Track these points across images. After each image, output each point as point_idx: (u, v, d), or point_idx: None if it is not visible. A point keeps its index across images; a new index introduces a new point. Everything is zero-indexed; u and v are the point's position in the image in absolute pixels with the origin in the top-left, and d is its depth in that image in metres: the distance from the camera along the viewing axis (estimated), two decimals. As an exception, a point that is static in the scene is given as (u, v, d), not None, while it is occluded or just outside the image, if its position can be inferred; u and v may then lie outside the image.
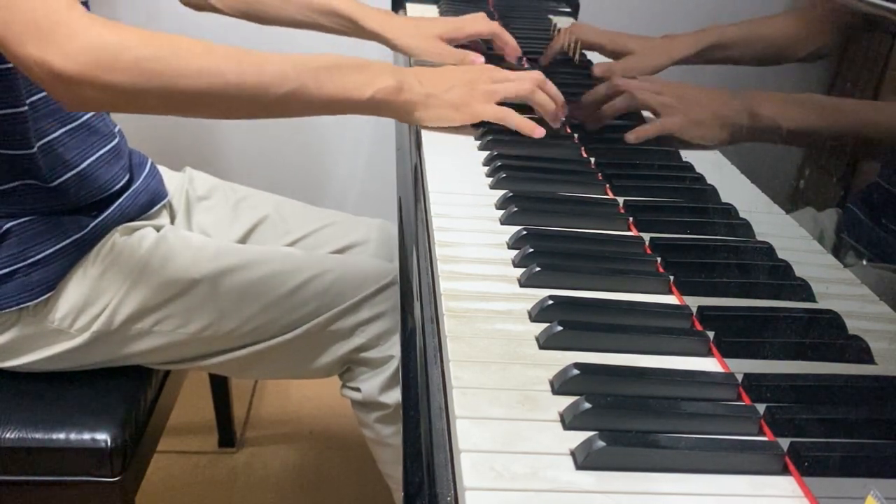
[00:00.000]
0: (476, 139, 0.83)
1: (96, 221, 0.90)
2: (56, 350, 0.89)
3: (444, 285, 0.57)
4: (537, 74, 0.84)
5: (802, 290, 0.61)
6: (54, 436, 0.86)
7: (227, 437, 1.54)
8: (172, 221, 1.06)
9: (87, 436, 0.86)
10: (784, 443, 0.44)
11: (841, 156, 0.71)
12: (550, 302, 0.54)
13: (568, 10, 1.52)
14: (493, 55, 1.12)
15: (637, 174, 0.80)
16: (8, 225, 0.84)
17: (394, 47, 1.09)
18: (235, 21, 1.26)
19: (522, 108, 0.84)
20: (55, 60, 0.65)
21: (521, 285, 0.58)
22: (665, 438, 0.44)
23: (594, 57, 1.23)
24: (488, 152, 0.80)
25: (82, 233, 0.88)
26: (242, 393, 1.68)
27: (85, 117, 0.91)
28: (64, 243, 0.87)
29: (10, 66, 0.79)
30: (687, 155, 0.84)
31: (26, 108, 0.83)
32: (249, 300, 0.91)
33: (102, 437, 0.86)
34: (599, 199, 0.74)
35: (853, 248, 0.65)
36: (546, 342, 0.51)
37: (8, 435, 0.86)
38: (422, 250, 0.64)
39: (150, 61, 0.68)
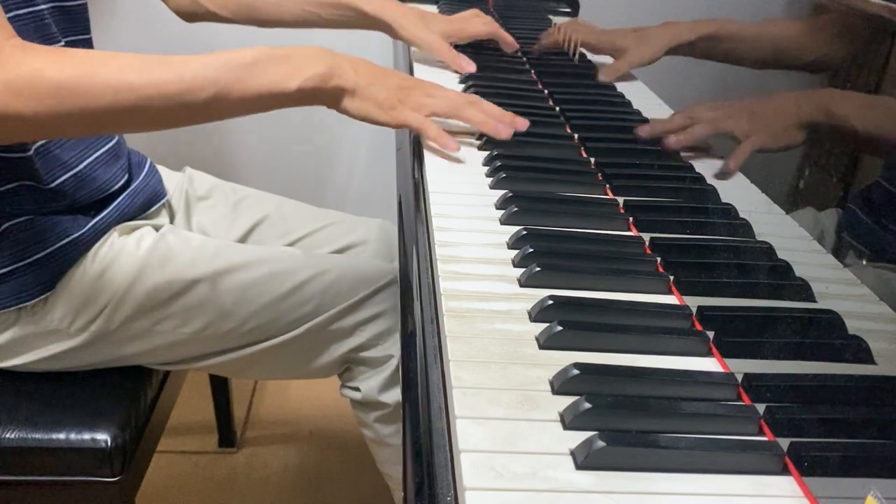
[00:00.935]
0: (476, 139, 0.84)
1: (95, 221, 0.90)
2: (55, 350, 0.89)
3: (444, 285, 0.57)
4: (469, 96, 0.83)
5: (802, 290, 0.61)
6: (54, 436, 0.86)
7: (227, 437, 1.54)
8: (172, 221, 1.06)
9: (87, 436, 0.86)
10: (784, 443, 0.44)
11: (841, 155, 0.71)
12: (550, 302, 0.54)
13: (568, 9, 1.52)
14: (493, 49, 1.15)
15: (637, 174, 0.80)
16: (6, 225, 0.84)
17: (398, 36, 1.10)
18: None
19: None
20: None
21: (521, 285, 0.58)
22: (665, 438, 0.44)
23: (594, 58, 1.23)
24: (488, 152, 0.80)
25: (81, 232, 0.88)
26: (242, 393, 1.68)
27: None
28: (62, 243, 0.87)
29: None
30: (687, 155, 0.84)
31: None
32: (248, 300, 0.91)
33: (102, 437, 0.86)
34: (599, 199, 0.74)
35: (853, 247, 0.65)
36: (546, 342, 0.51)
37: (8, 435, 0.86)
38: (422, 250, 0.64)
39: (65, 85, 0.66)
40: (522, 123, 0.82)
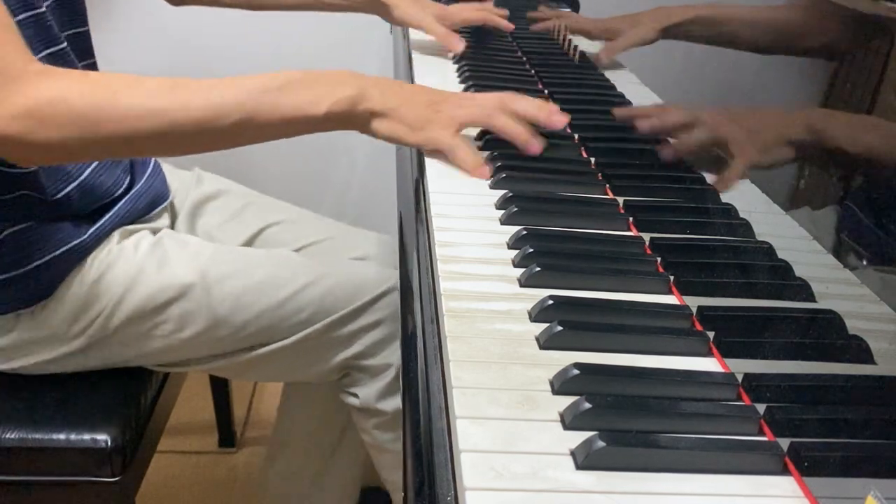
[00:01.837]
0: (476, 139, 0.83)
1: (96, 227, 0.89)
2: (53, 354, 0.88)
3: (444, 285, 0.57)
4: (502, 98, 0.78)
5: (802, 290, 0.61)
6: (54, 436, 0.86)
7: (227, 437, 1.54)
8: (174, 223, 1.06)
9: (87, 436, 0.86)
10: (784, 443, 0.44)
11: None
12: (550, 302, 0.54)
13: (568, 9, 1.52)
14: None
15: (637, 174, 0.80)
16: (7, 232, 0.83)
17: (392, 17, 1.14)
18: (238, 15, 1.26)
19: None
20: None
21: (521, 285, 0.58)
22: (665, 438, 0.44)
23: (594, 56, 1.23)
24: (489, 152, 0.80)
25: (81, 239, 0.87)
26: (242, 393, 1.68)
27: None
28: (63, 249, 0.86)
29: None
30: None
31: None
32: (245, 305, 0.90)
33: (102, 437, 0.86)
34: (599, 199, 0.74)
35: (853, 248, 0.65)
36: (546, 342, 0.51)
37: (8, 435, 0.86)
38: (422, 250, 0.64)
39: (88, 112, 0.66)
40: (560, 120, 0.78)
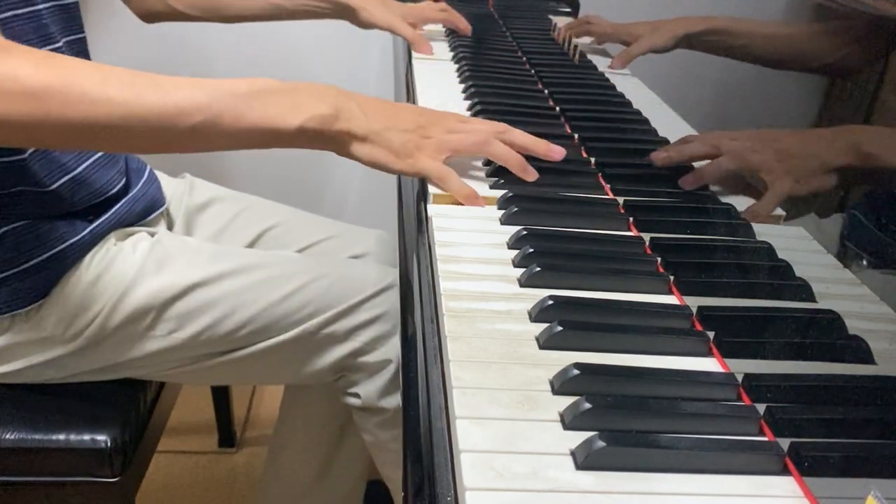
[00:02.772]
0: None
1: (92, 226, 0.89)
2: (48, 356, 0.88)
3: (444, 285, 0.57)
4: (495, 126, 0.74)
5: (802, 290, 0.61)
6: (54, 436, 0.86)
7: (227, 437, 1.54)
8: (170, 229, 1.06)
9: (87, 436, 0.86)
10: (784, 443, 0.44)
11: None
12: (550, 302, 0.54)
13: (568, 9, 1.52)
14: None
15: (637, 174, 0.80)
16: (4, 229, 0.83)
17: (360, 20, 1.17)
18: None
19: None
20: None
21: (521, 285, 0.58)
22: (665, 438, 0.44)
23: (594, 58, 1.23)
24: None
25: (78, 237, 0.87)
26: (242, 393, 1.68)
27: None
28: (58, 249, 0.86)
29: None
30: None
31: None
32: (245, 304, 0.90)
33: (102, 437, 0.86)
34: (599, 199, 0.74)
35: (852, 248, 0.65)
36: (546, 342, 0.51)
37: (8, 436, 0.86)
38: (422, 250, 0.64)
39: (39, 89, 0.62)
40: (559, 152, 0.75)
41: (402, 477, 0.47)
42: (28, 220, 0.84)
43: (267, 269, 0.93)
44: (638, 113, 0.98)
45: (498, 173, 0.75)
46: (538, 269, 0.59)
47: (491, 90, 1.00)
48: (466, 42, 1.21)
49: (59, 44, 0.87)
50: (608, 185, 0.76)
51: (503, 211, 0.69)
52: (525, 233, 0.64)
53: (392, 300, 0.94)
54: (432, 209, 0.69)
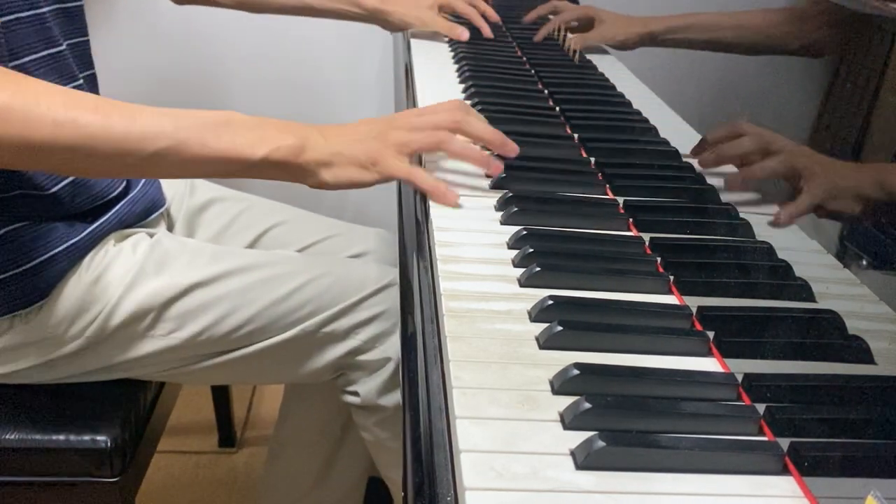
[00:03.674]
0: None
1: (92, 228, 0.89)
2: (48, 357, 0.88)
3: (444, 285, 0.57)
4: (453, 114, 0.74)
5: (802, 290, 0.61)
6: (54, 436, 0.86)
7: (227, 437, 1.54)
8: (171, 230, 1.05)
9: (87, 436, 0.86)
10: (784, 443, 0.44)
11: (841, 157, 0.71)
12: (550, 302, 0.54)
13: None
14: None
15: (637, 174, 0.80)
16: (3, 231, 0.83)
17: (392, 22, 1.18)
18: (238, 17, 1.26)
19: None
20: None
21: (521, 285, 0.58)
22: (665, 438, 0.44)
23: (595, 59, 1.23)
24: (488, 152, 0.80)
25: (77, 238, 0.87)
26: (242, 393, 1.68)
27: None
28: (58, 250, 0.86)
29: None
30: (686, 153, 0.84)
31: None
32: (245, 303, 0.90)
33: (102, 437, 0.86)
34: (599, 199, 0.74)
35: (852, 248, 0.65)
36: (546, 342, 0.51)
37: (8, 436, 0.86)
38: (422, 250, 0.64)
39: (1, 109, 0.61)
40: (513, 149, 0.76)
41: (402, 477, 0.47)
42: (27, 221, 0.84)
43: (266, 268, 0.93)
44: (638, 113, 0.98)
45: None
46: (538, 269, 0.59)
47: (491, 90, 1.00)
48: (466, 42, 1.21)
49: (62, 47, 0.87)
50: (608, 185, 0.76)
51: (503, 211, 0.69)
52: (525, 233, 0.64)
53: (392, 298, 0.94)
54: (432, 209, 0.69)
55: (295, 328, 0.91)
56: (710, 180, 0.79)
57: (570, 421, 0.44)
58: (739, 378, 0.49)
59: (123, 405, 0.91)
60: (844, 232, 0.67)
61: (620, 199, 0.73)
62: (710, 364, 0.52)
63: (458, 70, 1.10)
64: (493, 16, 1.27)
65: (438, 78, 1.06)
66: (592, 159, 0.82)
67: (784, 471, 0.43)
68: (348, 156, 0.71)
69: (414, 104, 0.95)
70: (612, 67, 1.19)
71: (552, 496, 0.40)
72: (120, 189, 0.93)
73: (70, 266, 0.87)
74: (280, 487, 1.13)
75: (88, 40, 0.94)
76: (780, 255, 0.66)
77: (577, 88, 1.06)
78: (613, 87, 1.08)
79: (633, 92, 1.06)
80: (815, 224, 0.70)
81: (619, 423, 0.44)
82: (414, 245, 0.67)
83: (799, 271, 0.63)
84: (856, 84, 0.73)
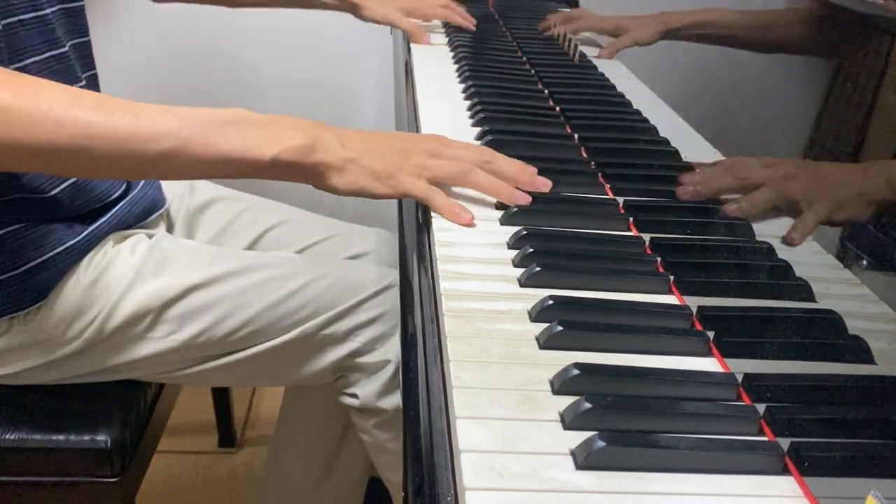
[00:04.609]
0: (476, 139, 0.83)
1: (91, 229, 0.88)
2: (47, 358, 0.88)
3: (444, 285, 0.57)
4: (481, 153, 0.72)
5: (802, 290, 0.61)
6: (54, 436, 0.86)
7: (227, 437, 1.54)
8: (171, 231, 1.05)
9: (87, 436, 0.86)
10: (784, 443, 0.44)
11: (841, 157, 0.71)
12: (550, 302, 0.54)
13: (567, 9, 1.52)
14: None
15: (637, 174, 0.80)
16: (0, 233, 0.83)
17: (362, 15, 1.21)
18: (238, 16, 1.27)
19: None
20: None
21: (521, 285, 0.58)
22: (665, 438, 0.44)
23: (596, 60, 1.23)
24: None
25: (76, 240, 0.87)
26: (242, 393, 1.68)
27: None
28: (57, 251, 0.85)
29: None
30: (687, 155, 0.84)
31: None
32: (244, 305, 0.90)
33: (102, 437, 0.86)
34: (599, 199, 0.74)
35: (852, 249, 0.65)
36: (546, 342, 0.51)
37: (8, 436, 0.86)
38: (422, 250, 0.64)
39: (2, 109, 0.60)
40: (544, 184, 0.72)
41: (402, 477, 0.47)
42: (26, 223, 0.84)
43: (266, 270, 0.93)
44: (638, 113, 0.98)
45: (488, 144, 0.75)
46: (538, 269, 0.59)
47: (491, 90, 1.00)
48: (466, 42, 1.21)
49: (65, 48, 0.86)
50: (608, 185, 0.76)
51: (503, 211, 0.69)
52: (525, 233, 0.64)
53: (392, 300, 0.94)
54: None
55: (294, 330, 0.91)
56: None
57: (570, 421, 0.44)
58: (739, 378, 0.49)
59: (123, 405, 0.91)
60: (844, 232, 0.67)
61: (620, 199, 0.73)
62: (710, 364, 0.52)
63: (458, 70, 1.10)
64: (469, 22, 1.30)
65: (438, 78, 1.06)
66: (592, 159, 0.82)
67: (784, 471, 0.43)
68: (364, 164, 0.68)
69: (414, 104, 0.95)
70: (612, 67, 1.19)
71: (552, 496, 0.40)
72: (120, 190, 0.93)
73: (69, 267, 0.87)
74: (281, 488, 1.12)
75: (90, 40, 0.94)
76: (780, 255, 0.66)
77: (577, 88, 1.06)
78: (613, 87, 1.08)
79: (633, 92, 1.06)
80: (818, 228, 0.70)
81: (619, 423, 0.44)
82: (414, 245, 0.67)
83: (799, 271, 0.63)
84: (856, 84, 0.73)
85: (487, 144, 0.81)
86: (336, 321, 0.92)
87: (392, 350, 0.93)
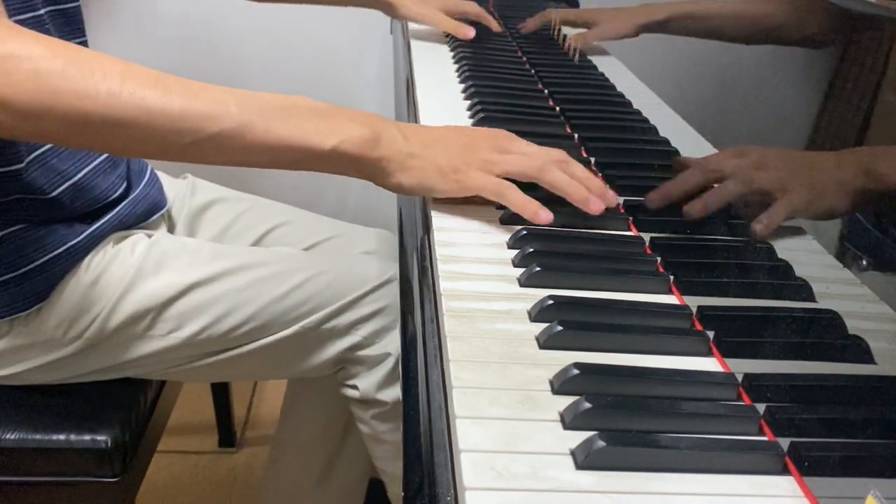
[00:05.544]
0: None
1: (91, 229, 0.88)
2: (48, 359, 0.88)
3: (444, 285, 0.57)
4: (554, 153, 0.68)
5: (802, 290, 0.61)
6: (54, 436, 0.86)
7: (227, 437, 1.54)
8: (172, 232, 1.05)
9: (87, 436, 0.86)
10: (784, 443, 0.44)
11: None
12: (550, 302, 0.54)
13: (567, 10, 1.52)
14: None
15: (637, 174, 0.80)
16: (1, 234, 0.83)
17: (398, 13, 1.19)
18: (238, 16, 1.27)
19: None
20: None
21: (521, 285, 0.58)
22: (665, 438, 0.44)
23: (595, 60, 1.23)
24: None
25: (77, 240, 0.87)
26: (242, 393, 1.68)
27: None
28: (58, 252, 0.85)
29: None
30: (687, 154, 0.84)
31: None
32: (246, 302, 0.90)
33: (103, 437, 0.86)
34: (599, 199, 0.74)
35: (852, 249, 0.65)
36: (546, 342, 0.51)
37: (9, 436, 0.86)
38: (422, 250, 0.64)
39: (52, 76, 0.57)
40: (612, 198, 0.69)
41: (398, 468, 0.47)
42: (27, 224, 0.84)
43: (266, 266, 0.93)
44: (638, 113, 0.98)
45: None
46: (538, 268, 0.59)
47: (491, 90, 1.00)
48: (466, 42, 1.21)
49: None
50: (608, 186, 0.76)
51: (503, 211, 0.69)
52: (525, 233, 0.64)
53: (392, 294, 0.94)
54: (432, 209, 0.68)
55: (295, 325, 0.91)
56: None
57: (570, 421, 0.44)
58: (739, 378, 0.49)
59: (123, 405, 0.91)
60: (844, 232, 0.67)
61: (620, 200, 0.73)
62: (710, 364, 0.52)
63: (458, 70, 1.10)
64: (496, 26, 1.29)
65: (438, 78, 1.06)
66: (592, 159, 0.82)
67: (784, 471, 0.43)
68: (428, 158, 0.65)
69: (414, 104, 0.95)
70: (612, 67, 1.19)
71: (552, 496, 0.40)
72: (121, 191, 0.93)
73: (69, 268, 0.87)
74: (281, 488, 1.13)
75: (86, 41, 0.94)
76: (781, 255, 0.66)
77: (577, 88, 1.06)
78: (613, 87, 1.08)
79: (633, 92, 1.06)
80: (815, 224, 0.70)
81: (620, 422, 0.44)
82: (414, 245, 0.67)
83: (799, 271, 0.63)
84: (856, 84, 0.73)
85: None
86: (337, 315, 0.92)
87: (392, 343, 0.93)
